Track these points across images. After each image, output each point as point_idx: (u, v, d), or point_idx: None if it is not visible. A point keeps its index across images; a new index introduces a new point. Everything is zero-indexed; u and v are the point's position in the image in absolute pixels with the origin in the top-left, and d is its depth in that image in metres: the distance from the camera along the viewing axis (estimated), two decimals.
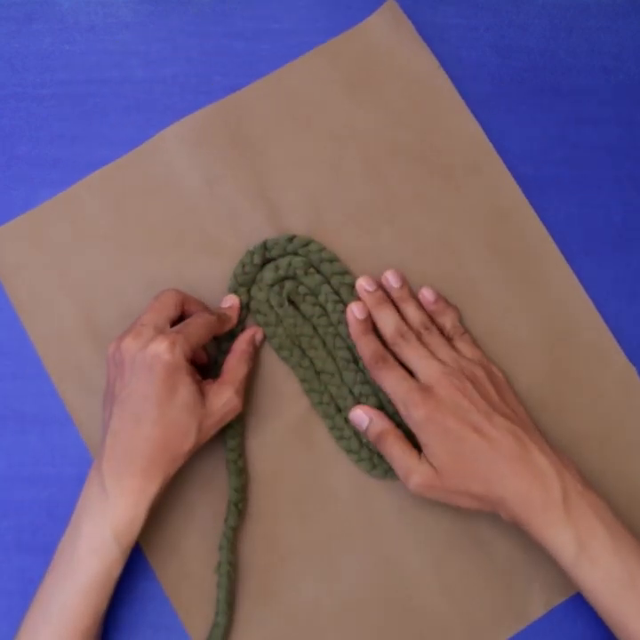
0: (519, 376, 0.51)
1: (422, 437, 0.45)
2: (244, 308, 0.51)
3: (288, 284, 0.51)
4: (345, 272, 0.51)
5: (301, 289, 0.51)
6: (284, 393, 0.51)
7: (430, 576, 0.49)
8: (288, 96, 0.54)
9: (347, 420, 0.50)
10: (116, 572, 0.43)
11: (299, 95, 0.54)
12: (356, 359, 0.50)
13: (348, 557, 0.49)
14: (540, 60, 0.54)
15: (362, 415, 0.48)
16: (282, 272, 0.51)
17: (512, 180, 0.53)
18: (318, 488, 0.50)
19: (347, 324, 0.50)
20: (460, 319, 0.51)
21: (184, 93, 0.54)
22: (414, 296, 0.51)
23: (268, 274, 0.51)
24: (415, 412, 0.45)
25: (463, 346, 0.49)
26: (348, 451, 0.50)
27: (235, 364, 0.48)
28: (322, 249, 0.51)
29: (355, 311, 0.49)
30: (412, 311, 0.50)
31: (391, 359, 0.48)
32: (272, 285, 0.51)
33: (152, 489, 0.43)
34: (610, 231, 0.54)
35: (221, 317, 0.48)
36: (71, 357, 0.51)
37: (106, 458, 0.44)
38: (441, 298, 0.51)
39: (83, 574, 0.43)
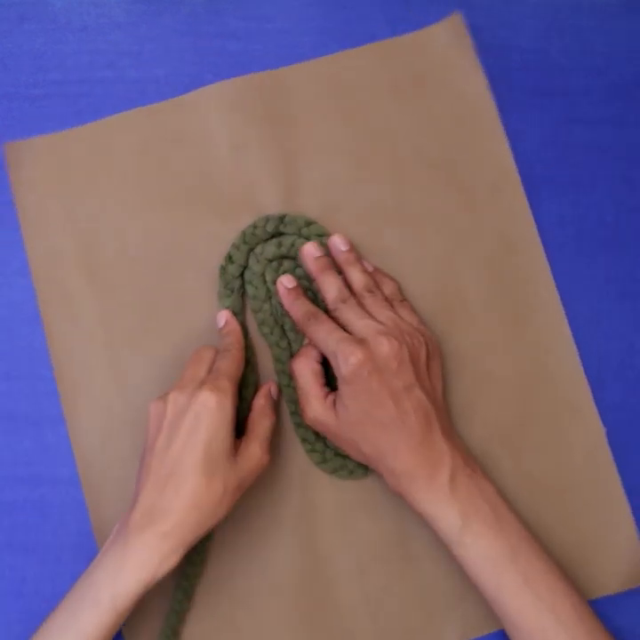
0: (488, 409, 0.51)
1: (343, 388, 0.45)
2: (239, 277, 0.51)
3: (286, 264, 0.51)
4: None
5: (298, 271, 0.51)
6: (258, 367, 0.51)
7: (353, 580, 0.49)
8: (332, 83, 0.54)
9: None
10: (118, 624, 0.42)
11: (343, 85, 0.54)
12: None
13: (278, 541, 0.49)
14: (532, 60, 0.54)
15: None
16: (283, 250, 0.51)
17: (530, 214, 0.52)
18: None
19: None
20: (400, 289, 0.51)
21: (177, 93, 0.54)
22: (360, 260, 0.51)
23: (270, 248, 0.51)
24: (344, 363, 0.45)
25: (402, 311, 0.49)
26: (303, 439, 0.50)
27: (257, 419, 0.47)
28: None
29: (284, 282, 0.50)
30: (357, 274, 0.49)
31: (323, 315, 0.48)
32: (271, 261, 0.51)
33: (174, 555, 0.41)
34: (602, 231, 0.54)
35: (233, 344, 0.48)
36: (61, 283, 0.51)
37: (134, 513, 0.42)
38: (378, 269, 0.51)
39: (84, 624, 0.41)
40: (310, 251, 0.50)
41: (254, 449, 0.45)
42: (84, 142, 0.53)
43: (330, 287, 0.49)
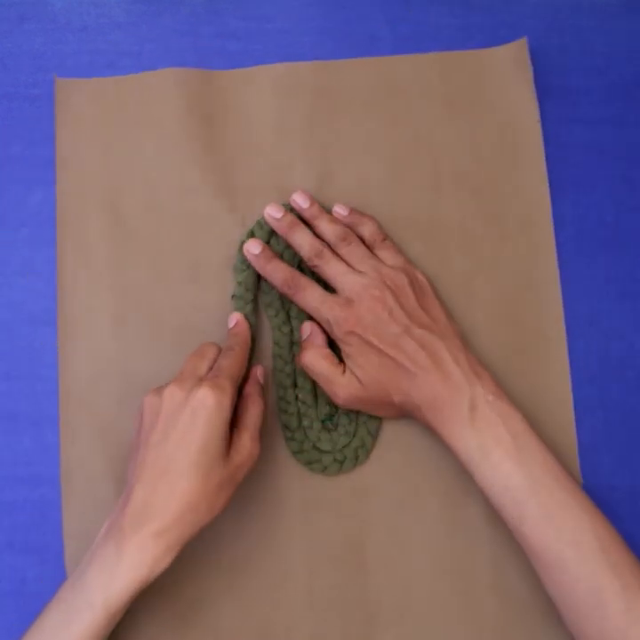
0: None
1: (346, 350, 0.47)
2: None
3: None
4: None
5: None
6: (257, 346, 0.51)
7: (302, 575, 0.49)
8: (385, 84, 0.54)
9: (297, 398, 0.50)
10: (111, 625, 0.41)
11: (395, 88, 0.54)
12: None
13: (236, 523, 0.49)
14: (531, 59, 0.54)
15: (307, 328, 0.49)
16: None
17: (554, 253, 0.52)
18: None
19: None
20: (380, 227, 0.50)
21: None
22: (325, 212, 0.51)
23: None
24: (338, 328, 0.46)
25: (384, 253, 0.49)
26: (285, 427, 0.50)
27: (246, 408, 0.46)
28: None
29: (250, 248, 0.50)
30: (325, 225, 0.49)
31: (304, 279, 0.48)
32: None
33: (168, 555, 0.40)
34: (602, 231, 0.54)
35: (239, 345, 0.48)
36: (82, 223, 0.52)
37: (128, 510, 0.41)
38: (355, 210, 0.51)
39: (77, 627, 0.40)
40: (271, 214, 0.50)
41: (245, 441, 0.44)
42: (133, 91, 0.53)
43: (301, 243, 0.49)
